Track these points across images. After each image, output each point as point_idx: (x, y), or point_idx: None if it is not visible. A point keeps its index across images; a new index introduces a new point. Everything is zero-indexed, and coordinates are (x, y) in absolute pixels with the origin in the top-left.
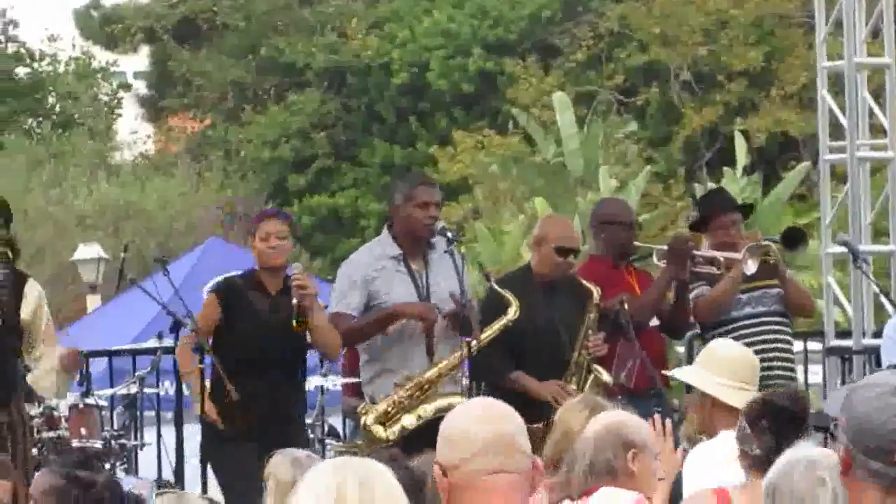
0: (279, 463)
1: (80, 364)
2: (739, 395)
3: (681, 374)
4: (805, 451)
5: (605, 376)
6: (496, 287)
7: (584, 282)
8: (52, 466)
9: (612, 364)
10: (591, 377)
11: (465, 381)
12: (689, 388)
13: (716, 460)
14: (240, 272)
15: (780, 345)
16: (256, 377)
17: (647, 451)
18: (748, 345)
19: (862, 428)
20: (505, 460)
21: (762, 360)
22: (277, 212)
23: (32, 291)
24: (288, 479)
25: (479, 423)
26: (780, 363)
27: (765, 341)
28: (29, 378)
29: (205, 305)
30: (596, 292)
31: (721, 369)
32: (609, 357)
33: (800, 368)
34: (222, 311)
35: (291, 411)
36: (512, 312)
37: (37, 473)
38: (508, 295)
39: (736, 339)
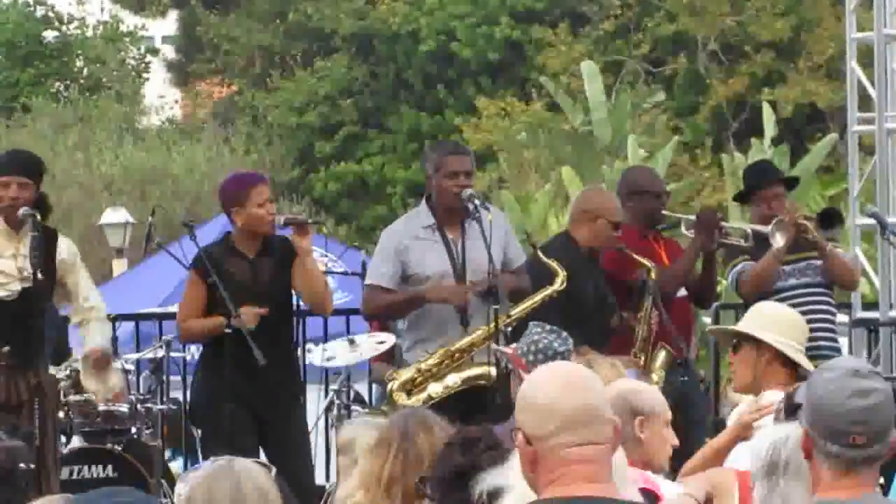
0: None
1: (109, 362)
2: (799, 355)
3: (741, 326)
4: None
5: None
6: (542, 256)
7: (638, 257)
8: None
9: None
10: (662, 354)
11: (496, 349)
12: (717, 361)
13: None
14: (214, 241)
15: (824, 315)
16: (239, 342)
17: (657, 418)
18: None
19: (819, 411)
20: (591, 432)
21: None
22: (262, 176)
23: (64, 249)
24: (363, 441)
25: (563, 395)
26: (824, 334)
27: (809, 311)
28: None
29: (189, 285)
30: (654, 271)
31: (775, 327)
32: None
33: None
34: (206, 285)
35: (285, 375)
36: (558, 283)
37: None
38: (555, 265)
39: None
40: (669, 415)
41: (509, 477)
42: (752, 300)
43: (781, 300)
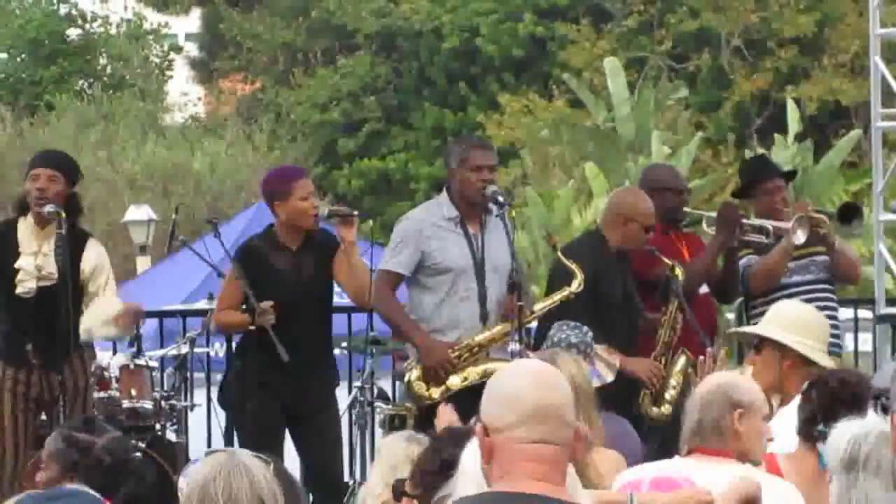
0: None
1: (137, 319)
2: (821, 356)
3: (764, 330)
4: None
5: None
6: (562, 257)
7: (664, 258)
8: (59, 430)
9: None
10: (682, 360)
11: (514, 347)
12: (741, 359)
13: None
14: (257, 233)
15: (828, 312)
16: (284, 333)
17: (755, 411)
18: None
19: None
20: (548, 431)
21: None
22: (305, 170)
23: (91, 252)
24: (402, 452)
25: (527, 390)
26: (832, 331)
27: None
28: (83, 323)
29: (229, 276)
30: (679, 269)
31: (798, 329)
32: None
33: (850, 336)
34: (249, 276)
35: (321, 368)
36: (575, 285)
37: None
38: (574, 267)
39: None
40: (767, 409)
41: (465, 461)
42: (759, 294)
43: (786, 297)
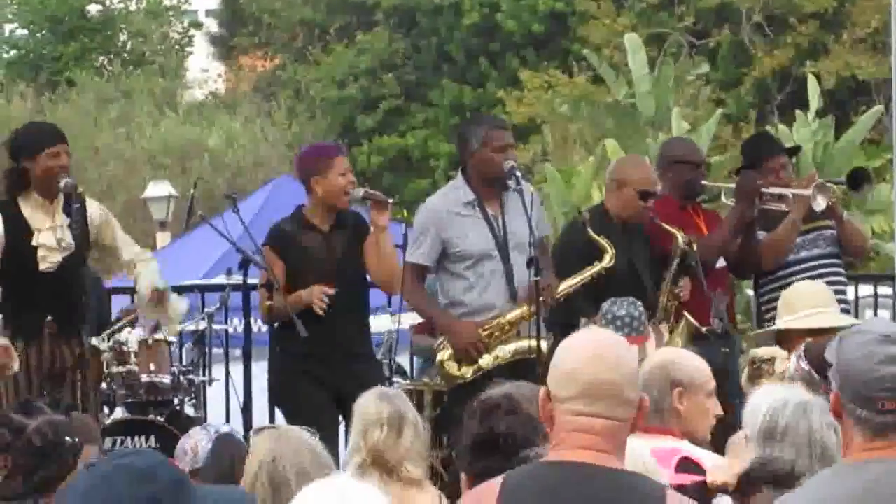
0: (367, 397)
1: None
2: (833, 317)
3: (778, 324)
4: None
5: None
6: (591, 233)
7: (666, 226)
8: None
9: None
10: (682, 323)
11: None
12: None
13: None
14: (285, 217)
15: (838, 287)
16: (317, 318)
17: (696, 389)
18: None
19: (848, 375)
20: (604, 407)
21: None
22: (343, 147)
23: (94, 212)
24: (373, 412)
25: (587, 365)
26: (840, 305)
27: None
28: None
29: (268, 261)
30: (680, 236)
31: (802, 305)
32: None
33: (869, 313)
34: (282, 260)
35: (360, 348)
36: (607, 260)
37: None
38: (605, 242)
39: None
40: (712, 385)
41: None
42: (768, 272)
43: (796, 273)
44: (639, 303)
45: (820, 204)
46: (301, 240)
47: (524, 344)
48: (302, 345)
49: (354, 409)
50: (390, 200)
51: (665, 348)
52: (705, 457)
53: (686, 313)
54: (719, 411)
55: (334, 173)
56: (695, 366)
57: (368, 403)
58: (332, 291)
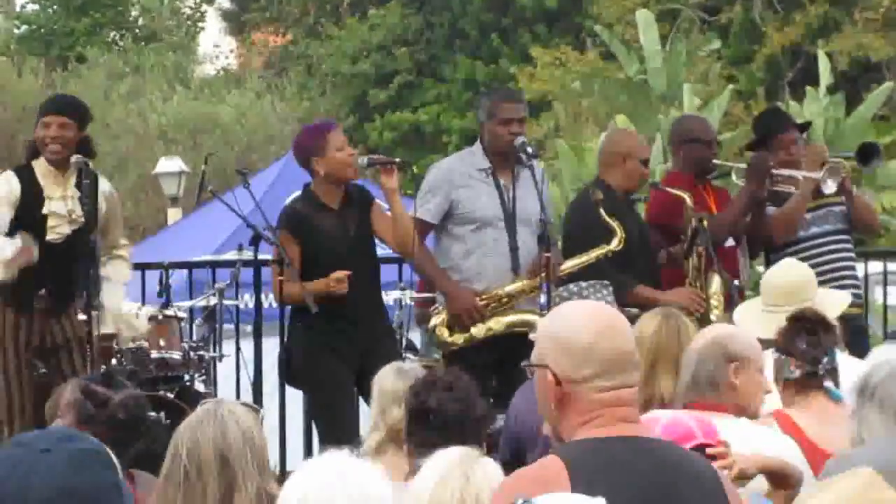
0: (385, 373)
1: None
2: (767, 318)
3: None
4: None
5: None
6: (603, 214)
7: (672, 189)
8: (77, 381)
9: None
10: (716, 279)
11: (543, 300)
12: None
13: None
14: (296, 196)
15: (848, 263)
16: (337, 297)
17: (751, 364)
18: (817, 265)
19: None
20: (627, 376)
21: (832, 280)
22: (335, 122)
23: (106, 190)
24: (390, 389)
25: (603, 339)
26: (850, 282)
27: (834, 260)
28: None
29: (284, 245)
30: (687, 197)
31: (762, 295)
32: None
33: (879, 289)
34: (298, 241)
35: (378, 323)
36: (615, 242)
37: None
38: (615, 224)
39: (804, 259)
40: (762, 361)
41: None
42: (779, 248)
43: (806, 249)
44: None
45: (830, 187)
46: (315, 219)
47: (520, 318)
48: (322, 322)
49: (373, 385)
50: (396, 160)
51: (719, 324)
52: (754, 435)
53: (717, 269)
54: (770, 387)
55: (331, 149)
56: (749, 341)
57: (386, 381)
58: (345, 275)
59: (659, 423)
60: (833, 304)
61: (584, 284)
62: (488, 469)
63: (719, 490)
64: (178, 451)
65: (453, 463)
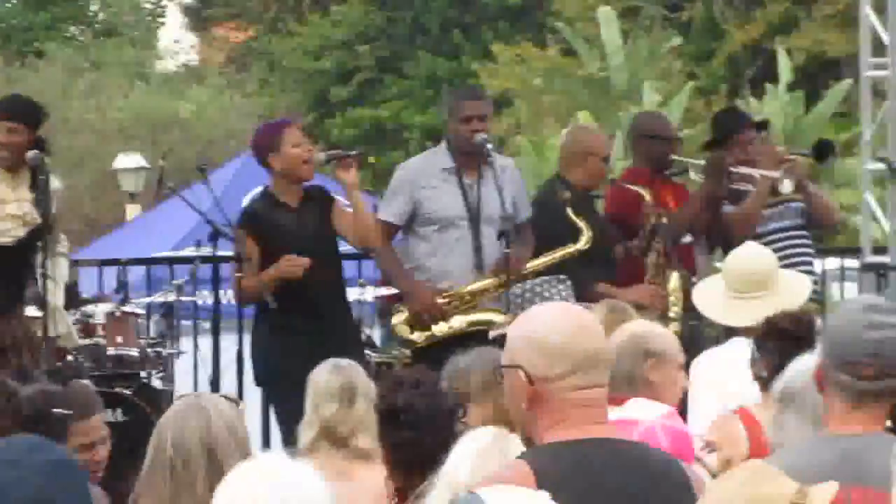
0: (319, 369)
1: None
2: (734, 305)
3: (719, 318)
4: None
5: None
6: (571, 213)
7: (631, 185)
8: None
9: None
10: (675, 276)
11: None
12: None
13: (721, 367)
14: (255, 195)
15: (805, 258)
16: (298, 295)
17: (668, 360)
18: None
19: (833, 341)
20: (597, 375)
21: None
22: (293, 119)
23: (55, 189)
24: (324, 385)
25: (576, 338)
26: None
27: (791, 256)
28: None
29: (243, 244)
30: (645, 193)
31: (727, 281)
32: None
33: (836, 286)
34: (257, 239)
35: (341, 320)
36: (582, 242)
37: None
38: (582, 224)
39: None
40: (682, 358)
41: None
42: (737, 243)
43: (765, 245)
44: (565, 285)
45: (787, 186)
46: (273, 218)
47: (482, 316)
48: (285, 321)
49: (308, 383)
50: (353, 152)
51: (637, 321)
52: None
53: (674, 267)
54: (686, 384)
55: (287, 146)
56: (667, 338)
57: (320, 377)
58: (301, 261)
59: (635, 432)
60: (798, 293)
61: (538, 281)
62: (521, 447)
63: (689, 493)
64: (163, 443)
65: (489, 442)
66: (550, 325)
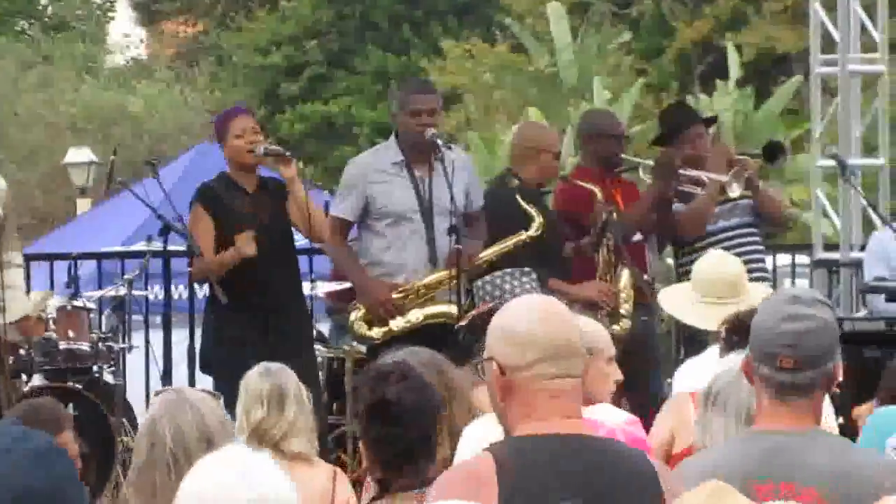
0: (251, 374)
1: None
2: (706, 310)
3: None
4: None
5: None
6: (522, 203)
7: (583, 183)
8: None
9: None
10: (626, 273)
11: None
12: None
13: (701, 373)
14: (212, 178)
15: (756, 255)
16: (251, 279)
17: (599, 355)
18: None
19: (755, 333)
20: (568, 365)
21: None
22: (245, 108)
23: (2, 190)
24: (254, 389)
25: (544, 327)
26: (759, 274)
27: (742, 254)
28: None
29: (196, 220)
30: (597, 191)
31: (698, 287)
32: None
33: (787, 282)
34: (212, 217)
35: (294, 307)
36: (534, 228)
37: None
38: (533, 212)
39: None
40: (612, 351)
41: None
42: (686, 242)
43: (715, 243)
44: (532, 277)
45: (735, 190)
46: (229, 196)
47: (438, 309)
48: (237, 312)
49: (240, 386)
50: (287, 153)
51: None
52: (602, 411)
53: (625, 263)
54: (619, 376)
55: (231, 136)
56: (595, 332)
57: (251, 381)
58: (251, 233)
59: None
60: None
61: (498, 273)
62: None
63: (657, 490)
64: (159, 438)
65: (497, 428)
66: (519, 313)
